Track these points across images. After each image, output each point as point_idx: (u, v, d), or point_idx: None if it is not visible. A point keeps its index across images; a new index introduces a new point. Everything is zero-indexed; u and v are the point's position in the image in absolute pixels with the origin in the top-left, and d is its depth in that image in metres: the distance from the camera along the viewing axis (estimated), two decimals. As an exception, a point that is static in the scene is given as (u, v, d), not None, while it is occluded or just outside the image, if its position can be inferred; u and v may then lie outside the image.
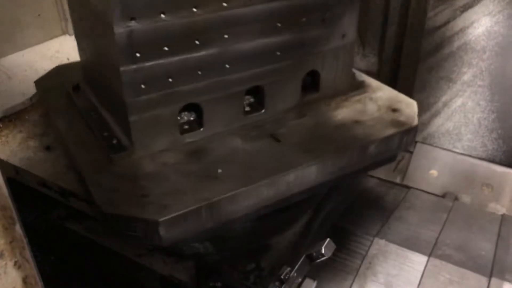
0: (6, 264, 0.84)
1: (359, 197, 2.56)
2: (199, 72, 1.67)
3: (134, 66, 1.53)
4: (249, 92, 1.87)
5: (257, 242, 2.09)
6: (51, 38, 3.01)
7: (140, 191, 1.56)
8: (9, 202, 0.81)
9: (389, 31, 3.07)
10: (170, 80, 1.62)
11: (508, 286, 2.01)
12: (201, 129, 1.79)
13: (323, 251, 1.54)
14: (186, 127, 1.81)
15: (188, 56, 1.61)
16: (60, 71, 2.34)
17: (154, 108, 1.65)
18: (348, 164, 1.83)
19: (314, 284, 1.58)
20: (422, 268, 2.09)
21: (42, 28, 2.96)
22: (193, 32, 1.59)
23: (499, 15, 2.44)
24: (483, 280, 2.05)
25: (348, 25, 1.94)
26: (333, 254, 1.72)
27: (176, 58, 1.60)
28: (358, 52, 3.16)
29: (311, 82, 2.03)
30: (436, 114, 2.78)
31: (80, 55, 2.09)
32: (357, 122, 1.93)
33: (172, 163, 1.69)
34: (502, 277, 2.05)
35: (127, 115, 1.62)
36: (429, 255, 2.14)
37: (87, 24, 1.81)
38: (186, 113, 1.81)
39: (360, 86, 2.16)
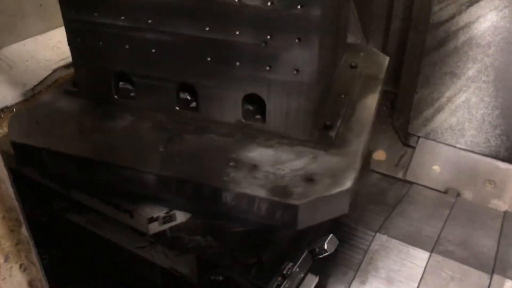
0: (11, 267, 0.83)
1: (361, 193, 2.55)
2: (126, 46, 1.80)
3: (72, 22, 1.84)
4: (191, 89, 1.88)
5: (259, 237, 2.09)
6: (53, 28, 2.99)
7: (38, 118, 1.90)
8: (15, 203, 0.80)
9: (393, 25, 3.06)
10: (100, 43, 1.83)
11: (510, 283, 2.01)
12: (135, 100, 1.94)
13: (325, 247, 1.53)
14: (132, 94, 1.94)
15: (114, 28, 1.78)
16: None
17: (92, 65, 1.91)
18: (197, 197, 1.67)
19: (316, 279, 1.58)
20: (424, 264, 2.09)
21: (44, 18, 2.94)
22: (117, 6, 1.73)
23: (505, 10, 2.42)
24: (485, 277, 2.04)
25: (303, 62, 1.64)
26: (335, 249, 1.72)
27: (103, 26, 1.78)
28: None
29: (262, 110, 1.83)
30: (440, 109, 2.77)
31: None
32: (254, 166, 1.67)
33: (91, 113, 1.94)
34: (504, 274, 2.05)
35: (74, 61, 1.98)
36: (431, 251, 2.14)
37: None
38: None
39: (326, 141, 1.78)
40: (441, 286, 2.02)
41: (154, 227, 1.90)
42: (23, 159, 1.86)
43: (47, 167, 1.80)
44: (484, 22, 2.47)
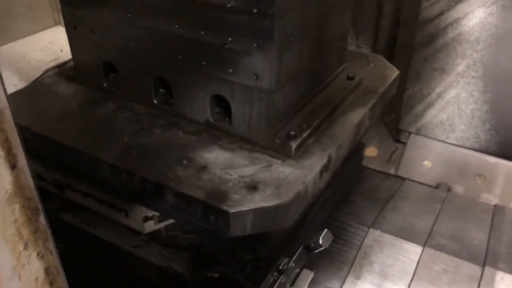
0: (30, 254, 0.86)
1: (354, 188, 2.57)
2: (112, 37, 1.88)
3: (68, 12, 1.97)
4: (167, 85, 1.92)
5: (254, 233, 2.10)
6: (43, 29, 2.97)
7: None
8: (34, 193, 0.82)
9: (383, 22, 3.08)
10: (92, 33, 1.92)
11: (501, 274, 2.04)
12: (120, 90, 2.01)
13: (321, 242, 1.55)
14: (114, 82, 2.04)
15: (100, 17, 1.86)
16: None
17: (84, 51, 2.02)
18: (142, 193, 1.67)
19: (312, 274, 1.59)
20: (417, 258, 2.11)
21: (34, 19, 2.92)
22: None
23: (493, 7, 2.46)
24: (477, 269, 2.08)
25: (262, 68, 1.60)
26: (329, 245, 1.74)
27: (93, 16, 1.88)
28: (352, 43, 3.17)
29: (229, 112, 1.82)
30: (430, 105, 2.80)
31: None
32: (203, 168, 1.66)
33: (71, 103, 2.04)
34: (495, 266, 2.08)
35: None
36: (424, 245, 2.17)
37: None
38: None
39: (284, 151, 1.73)
40: (434, 279, 2.05)
41: (150, 226, 1.91)
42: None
43: (29, 146, 1.81)
44: (473, 18, 2.51)
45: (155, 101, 1.94)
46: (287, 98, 1.72)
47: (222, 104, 1.82)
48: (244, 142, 1.77)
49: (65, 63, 2.44)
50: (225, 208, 1.48)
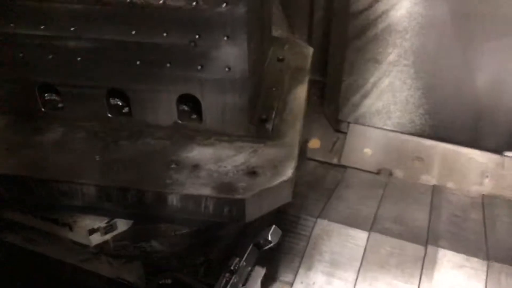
0: None
1: (300, 180, 2.62)
2: (50, 56, 1.72)
3: None
4: (122, 94, 1.84)
5: (204, 235, 2.10)
6: None
7: None
8: None
9: (316, 16, 3.15)
10: (21, 55, 1.73)
11: (442, 252, 2.15)
12: (63, 111, 1.87)
13: (269, 238, 1.57)
14: (60, 105, 1.87)
15: (34, 38, 1.70)
16: None
17: (11, 78, 1.81)
18: (141, 204, 1.64)
19: (264, 271, 1.62)
20: (364, 244, 2.19)
21: None
22: (35, 16, 1.66)
23: (418, -3, 2.57)
24: (420, 248, 2.18)
25: (234, 59, 1.65)
26: (280, 239, 1.76)
27: (22, 37, 1.70)
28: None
29: (196, 108, 1.84)
30: (366, 94, 2.89)
31: None
32: (195, 166, 1.69)
33: (12, 130, 1.85)
34: (437, 244, 2.19)
35: None
36: (370, 230, 2.24)
37: None
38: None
39: (262, 135, 1.82)
40: (381, 262, 2.13)
41: (96, 238, 1.86)
42: None
43: None
44: (400, 9, 2.60)
45: (109, 115, 1.84)
46: (252, 84, 1.77)
47: (186, 103, 1.81)
48: (218, 135, 1.81)
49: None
50: (239, 197, 1.55)
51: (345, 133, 2.94)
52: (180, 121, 1.82)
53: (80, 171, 1.65)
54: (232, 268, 1.50)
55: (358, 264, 2.12)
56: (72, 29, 1.66)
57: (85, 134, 1.82)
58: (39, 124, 1.86)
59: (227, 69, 1.66)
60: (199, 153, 1.75)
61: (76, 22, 1.65)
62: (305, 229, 2.26)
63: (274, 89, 2.04)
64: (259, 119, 1.85)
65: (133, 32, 1.64)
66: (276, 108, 1.94)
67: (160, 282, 1.84)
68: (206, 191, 1.58)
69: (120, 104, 1.88)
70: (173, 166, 1.67)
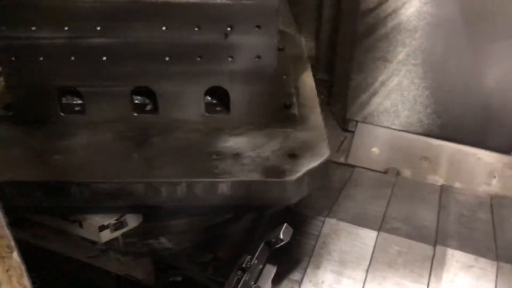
0: None
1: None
2: (72, 58, 1.68)
3: (8, 37, 1.64)
4: (146, 92, 1.84)
5: (213, 233, 2.10)
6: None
7: None
8: (6, 231, 0.78)
9: (324, 14, 3.14)
10: (41, 58, 1.67)
11: (451, 252, 2.14)
12: (85, 115, 1.82)
13: (281, 237, 1.57)
14: (78, 108, 1.84)
15: (57, 40, 1.65)
16: None
17: (30, 83, 1.73)
18: (191, 196, 1.64)
19: (275, 269, 1.61)
20: (373, 243, 2.18)
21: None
22: (60, 17, 1.62)
23: (427, -5, 2.56)
24: (429, 248, 2.17)
25: (264, 48, 1.72)
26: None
27: (44, 40, 1.65)
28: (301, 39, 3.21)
29: (225, 100, 1.88)
30: (374, 93, 2.88)
31: None
32: (236, 155, 1.72)
33: (32, 136, 1.77)
34: (445, 244, 2.18)
35: (6, 83, 1.74)
36: (378, 230, 2.24)
37: None
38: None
39: (289, 120, 1.91)
40: (390, 261, 2.12)
41: (106, 235, 1.87)
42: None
43: (10, 201, 1.60)
44: (410, 7, 2.60)
45: (134, 114, 1.84)
46: (275, 72, 1.81)
47: (212, 95, 1.85)
48: (245, 124, 1.85)
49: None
50: (288, 179, 1.62)
51: (353, 132, 2.93)
52: (207, 114, 1.85)
53: (122, 171, 1.63)
54: (243, 266, 1.50)
55: (367, 263, 2.11)
56: (98, 28, 1.64)
57: (112, 135, 1.79)
58: (61, 128, 1.81)
59: (256, 58, 1.73)
60: (234, 142, 1.78)
61: (103, 20, 1.63)
62: (313, 228, 2.26)
63: (284, 77, 2.09)
64: (284, 105, 1.94)
65: (164, 28, 1.65)
66: (293, 95, 2.01)
67: (170, 279, 1.84)
68: (255, 176, 1.63)
69: (144, 102, 1.88)
70: (214, 157, 1.70)
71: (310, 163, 1.69)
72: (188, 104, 1.82)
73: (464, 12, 2.53)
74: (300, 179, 1.63)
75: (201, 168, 1.66)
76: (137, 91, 1.84)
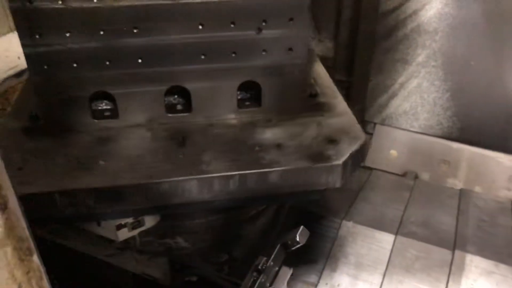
0: None
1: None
2: (107, 62, 1.66)
3: (33, 47, 1.58)
4: (178, 91, 1.83)
5: (228, 233, 2.10)
6: (-2, 36, 2.87)
7: (21, 163, 1.59)
8: (26, 233, 0.79)
9: (343, 15, 3.11)
10: (75, 65, 1.64)
11: (470, 257, 2.11)
12: (117, 119, 1.79)
13: (298, 239, 1.56)
14: (108, 113, 1.81)
15: (93, 45, 1.61)
16: None
17: (61, 90, 1.69)
18: (242, 188, 1.66)
19: (291, 271, 1.60)
20: (390, 247, 2.16)
21: (-13, 26, 2.82)
22: (96, 22, 1.58)
23: (449, -3, 2.53)
24: (447, 253, 2.14)
25: (296, 40, 1.75)
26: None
27: (79, 45, 1.61)
28: (314, 37, 3.19)
29: (256, 94, 1.89)
30: (393, 95, 2.86)
31: None
32: (278, 145, 1.75)
33: (70, 145, 1.71)
34: (464, 249, 2.15)
35: (36, 92, 1.69)
36: (396, 234, 2.21)
37: None
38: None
39: (318, 108, 1.95)
40: (407, 266, 2.10)
41: (123, 234, 1.88)
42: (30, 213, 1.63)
43: (61, 211, 1.58)
44: (430, 9, 2.57)
45: (169, 114, 1.83)
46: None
47: (242, 90, 1.87)
48: (277, 116, 1.88)
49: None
50: (335, 163, 1.67)
51: (371, 134, 2.91)
52: (239, 109, 1.86)
53: (173, 169, 1.63)
54: (259, 267, 1.50)
55: (383, 267, 2.09)
56: (135, 31, 1.62)
57: (150, 136, 1.78)
58: (96, 135, 1.77)
59: (289, 50, 1.75)
60: (272, 134, 1.81)
61: (140, 22, 1.62)
62: (330, 230, 2.25)
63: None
64: (310, 94, 1.99)
65: (200, 27, 1.65)
66: (314, 85, 2.04)
67: (186, 279, 1.84)
68: (304, 163, 1.66)
69: (175, 101, 1.87)
70: (257, 148, 1.72)
71: (351, 147, 1.75)
72: (222, 101, 1.83)
73: (486, 13, 2.49)
74: (345, 162, 1.69)
75: (249, 160, 1.68)
76: (171, 92, 1.83)
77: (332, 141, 1.78)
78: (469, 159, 2.75)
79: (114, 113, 1.80)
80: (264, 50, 1.74)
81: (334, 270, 2.09)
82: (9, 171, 1.48)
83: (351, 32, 3.09)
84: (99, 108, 1.82)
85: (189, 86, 1.77)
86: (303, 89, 1.92)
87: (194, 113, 1.83)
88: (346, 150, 1.73)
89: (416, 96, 2.80)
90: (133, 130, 1.79)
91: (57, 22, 1.56)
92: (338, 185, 1.72)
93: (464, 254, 2.12)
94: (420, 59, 2.70)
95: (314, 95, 2.00)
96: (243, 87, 1.82)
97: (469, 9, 2.50)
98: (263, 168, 1.64)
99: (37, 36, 1.56)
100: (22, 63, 2.48)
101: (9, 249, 0.78)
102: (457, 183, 2.70)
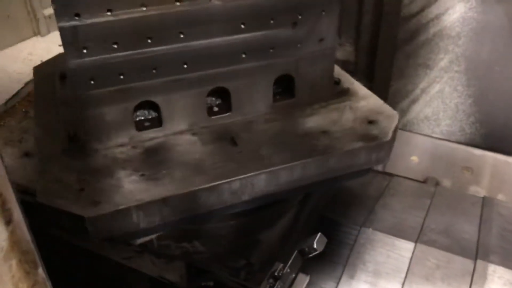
0: None
1: (343, 187, 2.57)
2: (154, 70, 1.66)
3: (80, 62, 1.55)
4: (216, 92, 1.83)
5: (246, 238, 2.09)
6: (22, 40, 2.92)
7: (80, 184, 1.55)
8: (31, 246, 0.80)
9: (364, 19, 3.09)
10: (121, 77, 1.63)
11: (493, 267, 2.06)
12: (161, 127, 1.78)
13: (315, 246, 1.55)
14: (148, 124, 1.79)
15: (141, 53, 1.61)
16: (60, 58, 2.25)
17: (107, 103, 1.66)
18: (304, 175, 1.72)
19: (307, 279, 1.59)
20: (409, 255, 2.12)
21: (12, 30, 2.87)
22: (143, 29, 1.58)
23: (472, 1, 2.48)
24: (469, 262, 2.09)
25: (326, 30, 1.83)
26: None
27: (127, 55, 1.59)
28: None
29: (287, 87, 1.94)
30: (415, 100, 2.82)
31: None
32: (324, 132, 1.82)
33: (123, 159, 1.68)
34: (487, 259, 2.09)
35: (79, 109, 1.65)
36: (416, 241, 2.17)
37: None
38: (147, 110, 1.80)
39: (344, 93, 2.05)
40: (427, 275, 2.06)
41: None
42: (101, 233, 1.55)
43: (136, 226, 1.56)
44: (453, 13, 2.53)
45: (212, 117, 1.84)
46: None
47: (274, 84, 1.90)
48: (308, 106, 1.96)
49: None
50: (385, 139, 1.80)
51: (392, 139, 2.87)
52: (273, 103, 1.91)
53: (239, 167, 1.66)
54: (276, 274, 1.48)
55: (402, 275, 2.05)
56: (181, 36, 1.64)
57: (199, 140, 1.79)
58: (142, 146, 1.76)
59: (320, 41, 1.84)
60: (314, 122, 1.89)
61: (185, 26, 1.63)
62: (348, 237, 2.21)
63: None
64: (335, 82, 2.07)
65: (242, 26, 1.69)
66: None
67: (203, 284, 1.84)
68: (358, 144, 1.77)
69: (213, 103, 1.89)
70: (306, 138, 1.79)
71: (391, 124, 1.87)
72: (259, 97, 1.88)
73: (511, 17, 2.44)
74: (392, 138, 1.82)
75: (305, 149, 1.74)
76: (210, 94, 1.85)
77: (371, 121, 1.88)
78: (492, 166, 2.69)
79: (153, 123, 1.80)
80: (299, 43, 1.80)
81: (352, 277, 2.06)
82: (70, 194, 1.49)
83: (372, 36, 3.07)
84: (138, 119, 1.80)
85: (229, 86, 1.81)
86: (331, 77, 2.00)
87: (234, 112, 1.86)
88: (388, 128, 1.84)
89: (438, 102, 2.76)
90: (178, 136, 1.79)
91: (105, 34, 1.54)
92: (386, 161, 1.87)
93: (487, 264, 2.07)
94: (442, 64, 2.66)
95: (338, 82, 2.08)
96: (276, 81, 1.87)
97: (494, 14, 2.46)
98: (322, 154, 1.72)
99: (84, 51, 1.54)
100: (45, 67, 2.51)
101: (14, 262, 0.79)
102: (480, 191, 2.64)
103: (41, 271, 0.85)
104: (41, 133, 1.84)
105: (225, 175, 1.61)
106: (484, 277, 2.02)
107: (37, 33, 2.99)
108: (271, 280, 1.49)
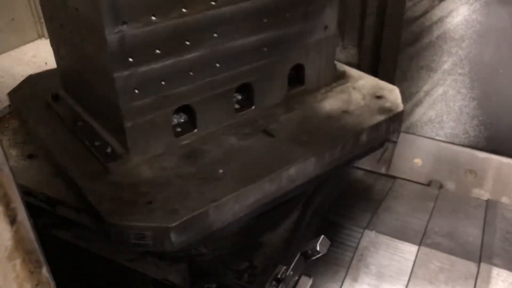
0: None
1: (346, 190, 2.57)
2: (191, 73, 1.68)
3: (127, 72, 1.52)
4: (237, 89, 1.89)
5: (249, 241, 2.09)
6: (26, 43, 2.94)
7: (143, 198, 1.54)
8: (35, 245, 0.81)
9: (367, 21, 3.09)
10: (163, 83, 1.62)
11: (496, 270, 2.05)
12: (195, 130, 1.81)
13: (318, 248, 1.54)
14: (179, 129, 1.80)
15: (180, 57, 1.63)
16: (33, 80, 2.27)
17: (148, 112, 1.65)
18: (342, 154, 1.88)
19: (310, 281, 1.59)
20: (413, 258, 2.11)
21: (17, 33, 2.89)
22: (183, 32, 1.61)
23: (476, 4, 2.47)
24: (473, 265, 2.08)
25: (330, 17, 1.99)
26: (326, 249, 1.73)
27: (168, 61, 1.60)
28: (338, 43, 3.17)
29: (296, 75, 2.06)
30: (418, 103, 2.81)
31: (58, 63, 2.04)
32: (345, 112, 1.99)
33: (171, 167, 1.69)
34: (491, 262, 2.09)
35: (122, 122, 1.60)
36: (419, 244, 2.17)
37: (68, 31, 1.77)
38: (175, 115, 1.81)
39: (342, 77, 2.21)
40: (430, 278, 2.05)
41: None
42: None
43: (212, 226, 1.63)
44: (457, 16, 2.52)
45: (240, 113, 1.93)
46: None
47: None
48: (316, 92, 2.10)
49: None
50: (400, 110, 2.03)
51: (395, 142, 2.87)
52: (288, 92, 2.03)
53: (289, 155, 1.75)
54: (279, 276, 1.48)
55: (406, 278, 2.05)
56: (215, 35, 1.67)
57: (235, 137, 1.85)
58: (181, 151, 1.76)
59: (325, 28, 1.99)
60: (329, 105, 2.04)
61: (219, 26, 1.67)
62: (351, 240, 2.21)
63: None
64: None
65: (265, 21, 1.78)
66: None
67: (205, 286, 1.84)
68: (380, 117, 1.97)
69: (237, 99, 1.96)
70: (331, 120, 1.93)
71: (397, 96, 2.06)
72: (277, 88, 1.98)
73: (515, 20, 2.44)
74: (403, 108, 2.05)
75: (337, 129, 1.89)
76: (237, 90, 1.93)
77: (378, 97, 2.06)
78: (496, 169, 2.68)
79: (185, 127, 1.82)
80: (309, 32, 1.94)
81: (355, 280, 2.06)
82: (141, 209, 1.48)
83: (375, 39, 3.06)
84: (177, 124, 1.83)
85: (253, 81, 1.89)
86: (334, 61, 2.16)
87: (256, 106, 1.94)
88: (397, 100, 2.05)
89: (442, 104, 2.75)
90: (213, 136, 1.83)
91: (149, 41, 1.53)
92: (400, 130, 2.18)
93: (490, 267, 2.06)
94: (446, 66, 2.65)
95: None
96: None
97: (498, 16, 2.45)
98: (355, 132, 1.89)
99: (130, 59, 1.52)
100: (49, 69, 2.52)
101: (18, 262, 0.79)
102: (484, 194, 2.63)
103: (45, 270, 0.85)
104: (63, 155, 1.79)
105: (279, 164, 1.70)
106: (487, 280, 2.01)
107: (41, 35, 3.01)
108: (274, 283, 1.49)
